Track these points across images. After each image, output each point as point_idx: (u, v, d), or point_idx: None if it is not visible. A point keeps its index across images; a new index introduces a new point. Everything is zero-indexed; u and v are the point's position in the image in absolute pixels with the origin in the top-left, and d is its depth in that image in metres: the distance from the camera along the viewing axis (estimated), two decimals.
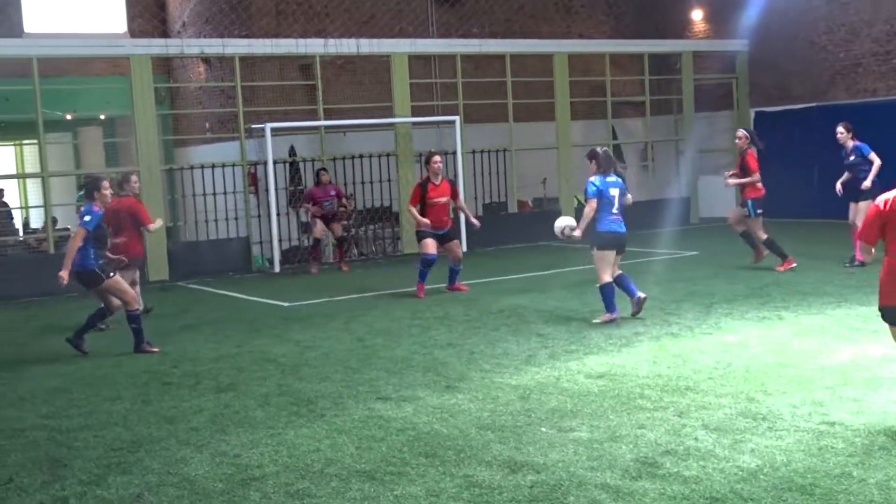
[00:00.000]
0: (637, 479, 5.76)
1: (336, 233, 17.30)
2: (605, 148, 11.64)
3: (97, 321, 10.99)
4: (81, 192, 18.79)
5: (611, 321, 10.76)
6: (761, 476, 5.72)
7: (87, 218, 10.34)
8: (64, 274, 10.15)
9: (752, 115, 23.31)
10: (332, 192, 17.04)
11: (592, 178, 10.97)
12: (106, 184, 10.72)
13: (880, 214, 6.59)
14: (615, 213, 10.96)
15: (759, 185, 14.44)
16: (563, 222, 11.49)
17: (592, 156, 11.14)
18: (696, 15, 24.59)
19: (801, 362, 8.50)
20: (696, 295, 12.25)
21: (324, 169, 17.42)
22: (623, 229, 11.03)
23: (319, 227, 17.02)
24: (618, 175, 11.19)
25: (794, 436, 6.43)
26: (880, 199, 6.65)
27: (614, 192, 10.95)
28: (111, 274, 10.59)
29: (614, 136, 22.86)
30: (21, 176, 23.69)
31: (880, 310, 6.68)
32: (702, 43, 24.04)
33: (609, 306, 10.89)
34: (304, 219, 18.34)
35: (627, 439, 6.53)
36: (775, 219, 22.23)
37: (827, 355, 8.74)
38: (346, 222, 18.97)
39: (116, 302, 10.69)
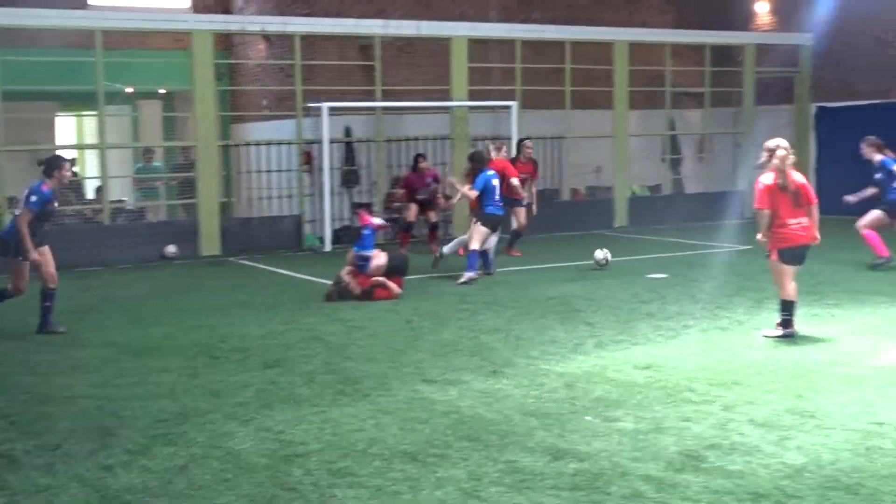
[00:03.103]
0: (681, 472, 5.72)
1: (431, 218, 17.12)
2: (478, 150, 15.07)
3: (7, 297, 10.57)
4: (139, 165, 19.10)
5: (470, 280, 13.10)
6: (806, 473, 5.65)
7: (33, 198, 10.03)
8: (32, 255, 10.02)
9: (814, 111, 22.97)
10: (429, 179, 16.83)
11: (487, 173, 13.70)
12: (67, 164, 10.46)
13: None
14: (497, 200, 13.70)
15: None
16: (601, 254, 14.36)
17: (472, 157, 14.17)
18: (761, 7, 24.23)
19: (852, 361, 8.39)
20: (747, 290, 12.12)
21: (422, 155, 17.16)
22: (502, 213, 13.96)
23: (413, 212, 16.83)
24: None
25: (841, 434, 6.35)
26: None
27: (496, 182, 13.70)
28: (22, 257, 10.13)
29: (672, 127, 22.65)
30: (80, 147, 23.97)
31: None
32: (765, 35, 23.69)
33: (470, 268, 13.24)
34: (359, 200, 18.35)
35: (672, 431, 6.49)
36: (832, 215, 21.93)
37: (878, 355, 8.62)
38: (397, 204, 18.94)
39: (51, 272, 10.32)
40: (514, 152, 16.94)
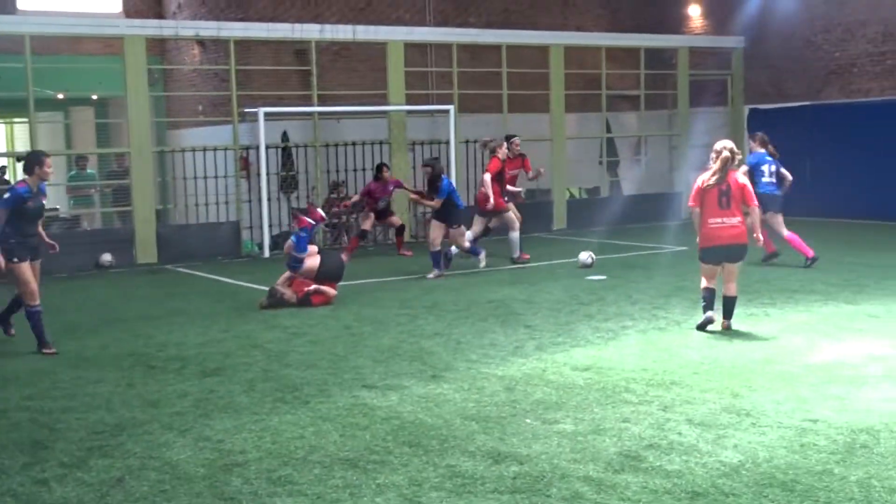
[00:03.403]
0: (620, 472, 5.77)
1: (395, 223, 17.00)
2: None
3: (16, 308, 10.20)
4: (72, 173, 18.81)
5: (439, 276, 13.94)
6: (743, 471, 5.73)
7: (6, 196, 9.76)
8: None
9: (747, 112, 23.32)
10: (391, 187, 16.69)
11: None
12: (48, 161, 9.93)
13: None
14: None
15: None
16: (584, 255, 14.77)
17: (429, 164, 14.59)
18: (694, 10, 24.56)
19: (787, 359, 8.52)
20: (684, 290, 12.25)
21: (385, 164, 17.06)
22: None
23: (370, 221, 16.74)
24: None
25: (776, 432, 6.44)
26: None
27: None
28: (14, 259, 9.56)
29: (608, 129, 22.83)
30: (11, 154, 23.56)
31: None
32: (698, 39, 24.01)
33: (436, 266, 14.10)
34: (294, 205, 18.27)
35: (611, 432, 6.54)
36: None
37: (812, 353, 8.76)
38: (335, 209, 18.90)
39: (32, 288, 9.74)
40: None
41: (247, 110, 17.76)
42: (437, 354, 9.13)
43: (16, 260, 9.60)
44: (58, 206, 19.72)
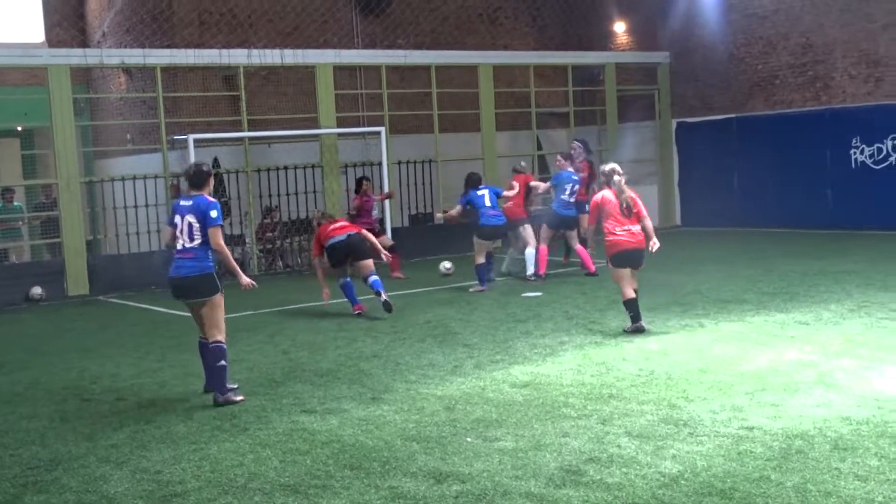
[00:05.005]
0: (561, 487, 5.80)
1: (387, 243, 16.64)
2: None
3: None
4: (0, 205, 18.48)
5: (481, 291, 14.26)
6: (682, 481, 5.79)
7: None
8: None
9: (674, 126, 23.68)
10: (376, 198, 16.92)
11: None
12: None
13: None
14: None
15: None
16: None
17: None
18: (619, 27, 24.90)
19: (721, 368, 8.64)
20: (618, 303, 12.28)
21: (365, 177, 17.18)
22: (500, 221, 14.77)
23: (385, 236, 16.84)
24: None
25: (714, 441, 6.52)
26: None
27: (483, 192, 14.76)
28: None
29: (539, 147, 23.03)
30: None
31: None
32: (624, 55, 24.35)
33: (482, 281, 14.43)
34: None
35: (552, 448, 6.57)
36: (695, 227, 22.64)
37: (746, 361, 8.89)
38: (270, 234, 18.81)
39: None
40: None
41: (176, 137, 17.61)
42: (376, 376, 9.11)
43: None
44: None
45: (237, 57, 18.59)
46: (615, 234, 10.55)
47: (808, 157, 20.63)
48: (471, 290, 14.39)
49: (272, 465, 6.52)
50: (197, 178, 8.70)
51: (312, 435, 7.21)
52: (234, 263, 8.78)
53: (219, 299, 8.60)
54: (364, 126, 20.57)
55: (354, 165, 19.62)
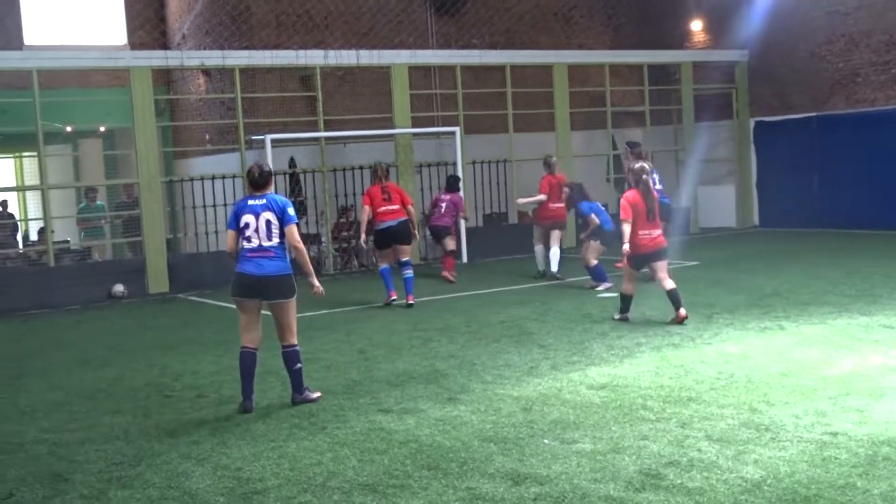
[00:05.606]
0: (640, 491, 5.74)
1: (448, 246, 16.66)
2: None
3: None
4: (82, 205, 18.88)
5: (608, 287, 14.12)
6: (765, 487, 5.70)
7: None
8: None
9: (752, 125, 23.35)
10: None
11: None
12: None
13: None
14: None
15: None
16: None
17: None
18: (696, 25, 24.61)
19: (803, 372, 8.49)
20: (697, 305, 12.23)
21: (456, 175, 17.52)
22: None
23: (452, 239, 16.98)
24: None
25: (797, 446, 6.41)
26: None
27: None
28: None
29: (614, 147, 22.86)
30: (21, 188, 23.67)
31: None
32: (701, 53, 24.05)
33: (602, 278, 14.40)
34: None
35: (630, 451, 6.52)
36: (774, 228, 22.29)
37: (829, 365, 8.72)
38: (345, 233, 18.93)
39: None
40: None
41: (253, 137, 17.81)
42: (452, 377, 9.12)
43: None
44: (69, 239, 19.82)
45: (314, 58, 18.74)
46: (637, 235, 11.25)
47: (891, 157, 20.17)
48: (598, 295, 13.86)
49: (350, 464, 6.56)
50: (263, 178, 8.56)
51: (390, 434, 7.24)
52: (310, 263, 8.78)
53: (294, 301, 8.58)
54: (439, 126, 20.60)
55: (429, 165, 19.68)
